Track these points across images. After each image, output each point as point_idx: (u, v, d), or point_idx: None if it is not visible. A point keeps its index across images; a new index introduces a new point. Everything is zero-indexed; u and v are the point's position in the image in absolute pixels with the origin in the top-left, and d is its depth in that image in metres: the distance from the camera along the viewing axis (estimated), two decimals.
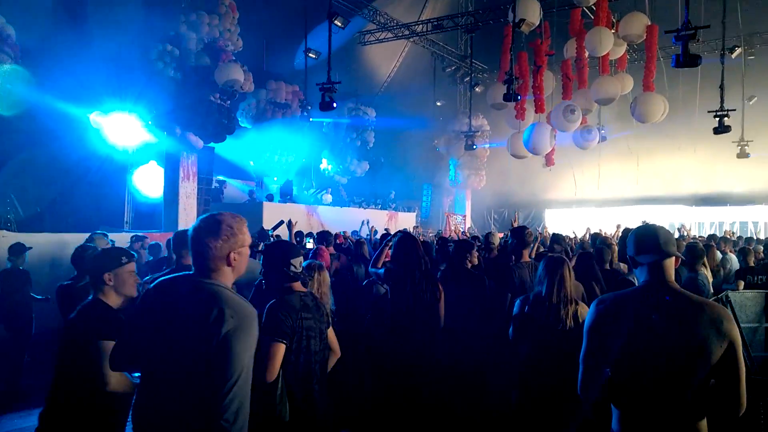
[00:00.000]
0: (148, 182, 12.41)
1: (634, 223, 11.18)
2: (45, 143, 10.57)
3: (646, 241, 2.25)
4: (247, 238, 2.10)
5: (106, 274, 2.63)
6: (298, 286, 2.78)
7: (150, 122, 10.94)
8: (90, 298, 2.67)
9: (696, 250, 4.95)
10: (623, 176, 19.40)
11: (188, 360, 1.89)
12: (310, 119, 12.96)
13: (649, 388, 2.16)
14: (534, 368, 3.15)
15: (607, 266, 5.04)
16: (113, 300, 2.66)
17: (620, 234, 10.23)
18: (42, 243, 7.81)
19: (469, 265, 4.20)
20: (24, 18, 9.22)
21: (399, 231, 4.38)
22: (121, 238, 8.18)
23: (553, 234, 6.86)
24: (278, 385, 2.54)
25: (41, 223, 10.35)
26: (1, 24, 8.63)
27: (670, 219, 17.87)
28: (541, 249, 6.37)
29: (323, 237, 6.09)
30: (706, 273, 5.03)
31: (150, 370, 2.03)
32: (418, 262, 3.66)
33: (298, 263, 2.78)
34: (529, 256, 4.37)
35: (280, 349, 2.56)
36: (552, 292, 3.12)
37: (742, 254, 6.21)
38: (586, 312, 2.62)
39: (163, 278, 2.14)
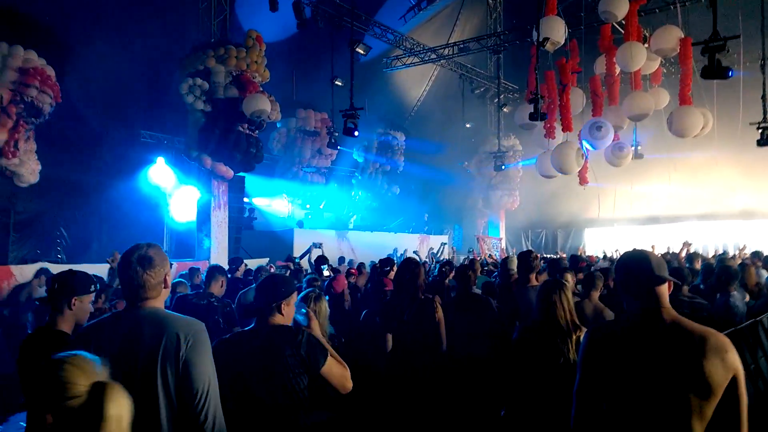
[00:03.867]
0: (182, 207, 12.73)
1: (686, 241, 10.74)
2: (92, 181, 11.22)
3: (637, 267, 2.14)
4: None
5: (75, 299, 2.65)
6: (277, 319, 2.64)
7: (185, 157, 11.43)
8: (46, 319, 2.66)
9: (728, 271, 4.67)
10: (664, 193, 18.74)
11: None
12: (338, 147, 13.10)
13: (648, 424, 2.01)
14: (525, 395, 2.99)
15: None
16: (68, 326, 2.65)
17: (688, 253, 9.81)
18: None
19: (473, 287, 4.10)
20: (64, 60, 9.74)
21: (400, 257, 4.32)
22: None
23: (571, 255, 6.61)
24: None
25: (90, 256, 10.74)
26: (41, 65, 9.10)
27: (718, 236, 17.10)
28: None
29: (320, 263, 6.14)
30: (739, 295, 4.72)
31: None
32: (416, 286, 3.60)
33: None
34: (536, 279, 4.21)
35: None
36: (547, 318, 2.97)
37: None
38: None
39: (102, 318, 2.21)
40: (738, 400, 1.96)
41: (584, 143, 11.69)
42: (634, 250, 2.25)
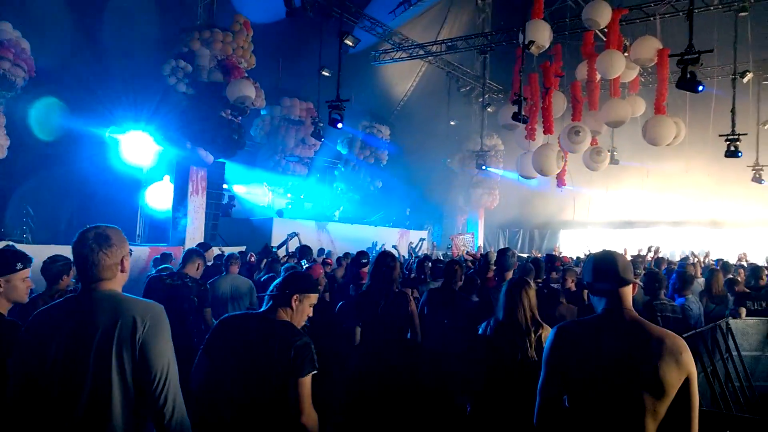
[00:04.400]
0: (159, 196, 12.63)
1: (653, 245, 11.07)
2: (62, 160, 10.90)
3: (604, 268, 2.22)
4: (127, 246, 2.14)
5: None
6: (284, 314, 2.62)
7: (162, 138, 11.22)
8: None
9: (683, 276, 4.89)
10: (638, 199, 19.16)
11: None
12: (322, 137, 13.10)
13: (604, 420, 2.11)
14: (489, 391, 3.10)
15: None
16: (2, 307, 2.51)
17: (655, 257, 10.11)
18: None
19: (459, 284, 4.20)
20: (41, 35, 9.51)
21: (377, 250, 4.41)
22: (136, 252, 8.27)
23: (547, 254, 6.78)
24: None
25: (56, 237, 10.57)
26: (15, 38, 8.89)
27: (687, 242, 17.53)
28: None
29: (304, 253, 6.16)
30: (694, 298, 4.94)
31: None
32: (392, 279, 3.68)
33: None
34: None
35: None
36: (510, 317, 3.08)
37: (729, 283, 6.09)
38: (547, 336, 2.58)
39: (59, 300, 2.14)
40: (690, 400, 2.04)
41: None
42: (603, 251, 2.34)
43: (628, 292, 2.21)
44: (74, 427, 1.92)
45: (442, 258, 10.39)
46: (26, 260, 2.63)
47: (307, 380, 2.36)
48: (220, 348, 2.44)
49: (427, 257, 7.34)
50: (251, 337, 2.41)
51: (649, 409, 2.04)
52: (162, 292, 4.28)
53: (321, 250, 11.69)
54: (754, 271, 6.32)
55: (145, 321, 1.96)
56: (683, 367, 2.04)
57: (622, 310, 2.18)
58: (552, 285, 5.31)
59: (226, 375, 2.41)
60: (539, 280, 5.31)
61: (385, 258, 3.81)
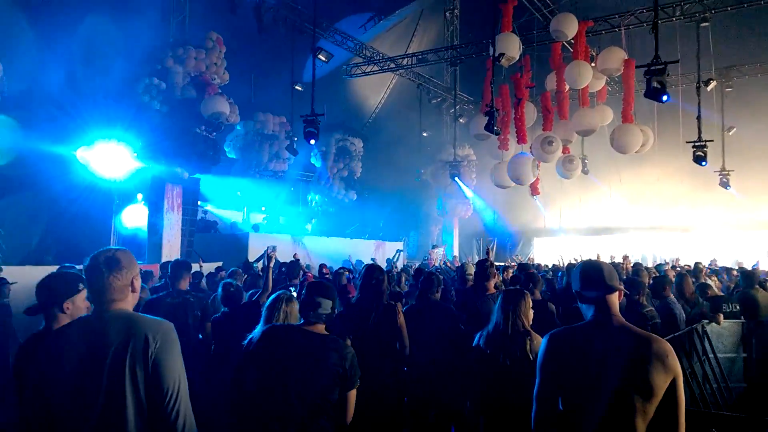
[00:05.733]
0: (133, 213, 12.38)
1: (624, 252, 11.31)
2: (32, 180, 10.63)
3: (592, 276, 2.32)
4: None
5: (66, 301, 2.58)
6: (319, 328, 2.74)
7: (136, 153, 11.02)
8: (42, 326, 2.60)
9: (663, 279, 5.04)
10: (610, 206, 19.61)
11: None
12: (296, 152, 13.09)
13: (596, 421, 2.19)
14: (488, 399, 3.17)
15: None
16: None
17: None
18: (27, 276, 7.75)
19: (437, 296, 4.25)
20: (8, 55, 9.32)
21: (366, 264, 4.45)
22: None
23: (520, 263, 6.91)
24: None
25: (29, 258, 10.30)
26: None
27: (658, 247, 17.99)
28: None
29: (291, 268, 6.15)
30: (674, 299, 5.10)
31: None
32: (381, 291, 3.76)
33: (328, 306, 2.73)
34: (495, 287, 4.42)
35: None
36: (507, 325, 3.16)
37: (701, 288, 6.32)
38: (539, 344, 2.66)
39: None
40: (676, 401, 2.15)
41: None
42: (589, 260, 2.44)
43: (615, 299, 2.31)
44: None
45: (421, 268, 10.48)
46: (83, 280, 2.66)
47: (355, 390, 2.64)
48: (268, 359, 2.55)
49: (419, 269, 7.38)
50: (301, 349, 2.55)
51: (639, 410, 2.13)
52: (166, 314, 4.17)
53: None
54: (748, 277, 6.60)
55: (156, 338, 2.04)
56: (670, 370, 2.15)
57: (611, 316, 2.28)
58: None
59: (276, 384, 2.51)
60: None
61: (374, 271, 3.88)
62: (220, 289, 4.42)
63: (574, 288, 2.37)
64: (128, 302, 2.16)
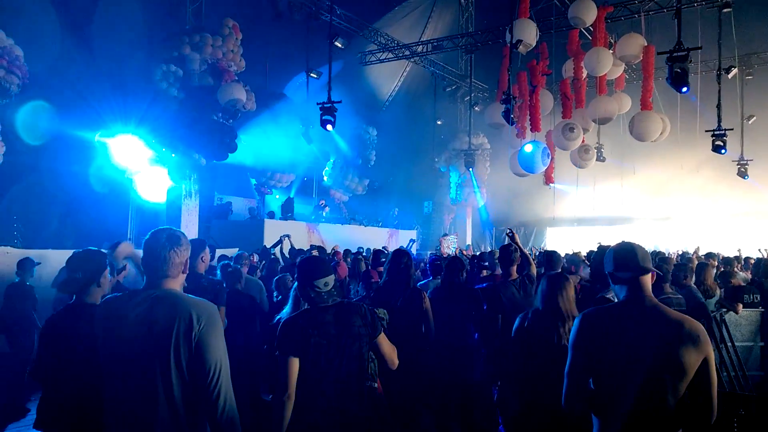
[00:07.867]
0: (151, 186, 12.38)
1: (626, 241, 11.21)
2: (51, 164, 10.81)
3: (625, 258, 2.34)
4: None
5: (101, 277, 2.70)
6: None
7: (154, 141, 11.14)
8: (74, 299, 2.67)
9: (685, 268, 5.04)
10: (624, 196, 19.43)
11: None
12: (311, 140, 13.13)
13: (628, 400, 2.23)
14: (531, 382, 3.22)
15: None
16: (96, 300, 2.67)
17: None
18: (46, 260, 7.89)
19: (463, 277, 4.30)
20: (33, 42, 9.44)
21: (395, 250, 4.50)
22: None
23: (546, 251, 6.91)
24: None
25: (46, 241, 10.47)
26: (9, 45, 8.83)
27: (675, 237, 17.84)
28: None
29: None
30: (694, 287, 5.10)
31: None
32: (408, 275, 3.80)
33: (323, 284, 2.65)
34: (517, 272, 4.45)
35: (286, 364, 2.54)
36: (549, 308, 3.22)
37: (723, 277, 6.29)
38: None
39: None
40: (709, 379, 2.19)
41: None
42: (623, 241, 2.46)
43: (648, 280, 2.34)
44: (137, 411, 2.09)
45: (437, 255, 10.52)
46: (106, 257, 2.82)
47: (383, 335, 2.71)
48: (314, 343, 2.55)
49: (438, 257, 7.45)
50: (339, 324, 2.60)
51: (670, 388, 2.18)
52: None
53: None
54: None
55: (201, 319, 2.10)
56: (701, 349, 2.18)
57: (643, 297, 2.31)
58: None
59: (326, 362, 2.54)
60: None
61: (402, 256, 3.97)
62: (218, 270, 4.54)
63: (607, 269, 2.40)
64: (178, 281, 2.24)
